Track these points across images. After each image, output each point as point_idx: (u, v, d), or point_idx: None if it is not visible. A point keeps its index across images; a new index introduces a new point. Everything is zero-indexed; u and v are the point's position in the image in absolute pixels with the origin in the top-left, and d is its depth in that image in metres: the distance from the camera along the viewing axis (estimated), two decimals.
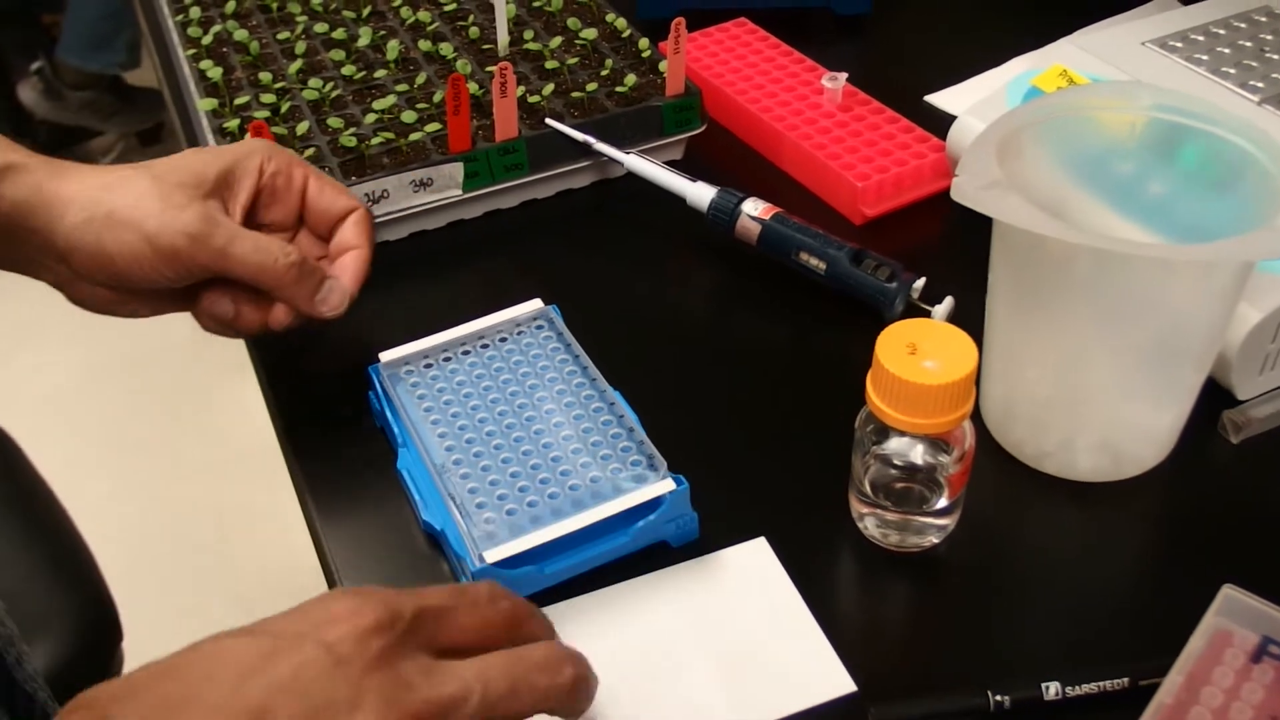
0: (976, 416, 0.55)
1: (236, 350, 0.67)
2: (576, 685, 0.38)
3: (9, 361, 1.94)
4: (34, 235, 0.52)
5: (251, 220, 0.55)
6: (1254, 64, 0.64)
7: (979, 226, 0.51)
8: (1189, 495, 0.53)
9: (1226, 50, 0.66)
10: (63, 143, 2.25)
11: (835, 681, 0.45)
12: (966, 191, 0.46)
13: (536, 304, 0.58)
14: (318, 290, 0.52)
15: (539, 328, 0.56)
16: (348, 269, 0.55)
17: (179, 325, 0.58)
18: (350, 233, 0.56)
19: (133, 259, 0.51)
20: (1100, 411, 0.52)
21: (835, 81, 0.73)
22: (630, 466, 0.50)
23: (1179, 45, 0.67)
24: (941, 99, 0.79)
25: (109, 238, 0.50)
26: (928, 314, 0.60)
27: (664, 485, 0.49)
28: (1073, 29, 0.82)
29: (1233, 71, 0.64)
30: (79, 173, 0.53)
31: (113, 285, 0.53)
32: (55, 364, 1.95)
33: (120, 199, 0.51)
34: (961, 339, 0.46)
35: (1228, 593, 0.43)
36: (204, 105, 0.71)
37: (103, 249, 0.51)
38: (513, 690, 0.36)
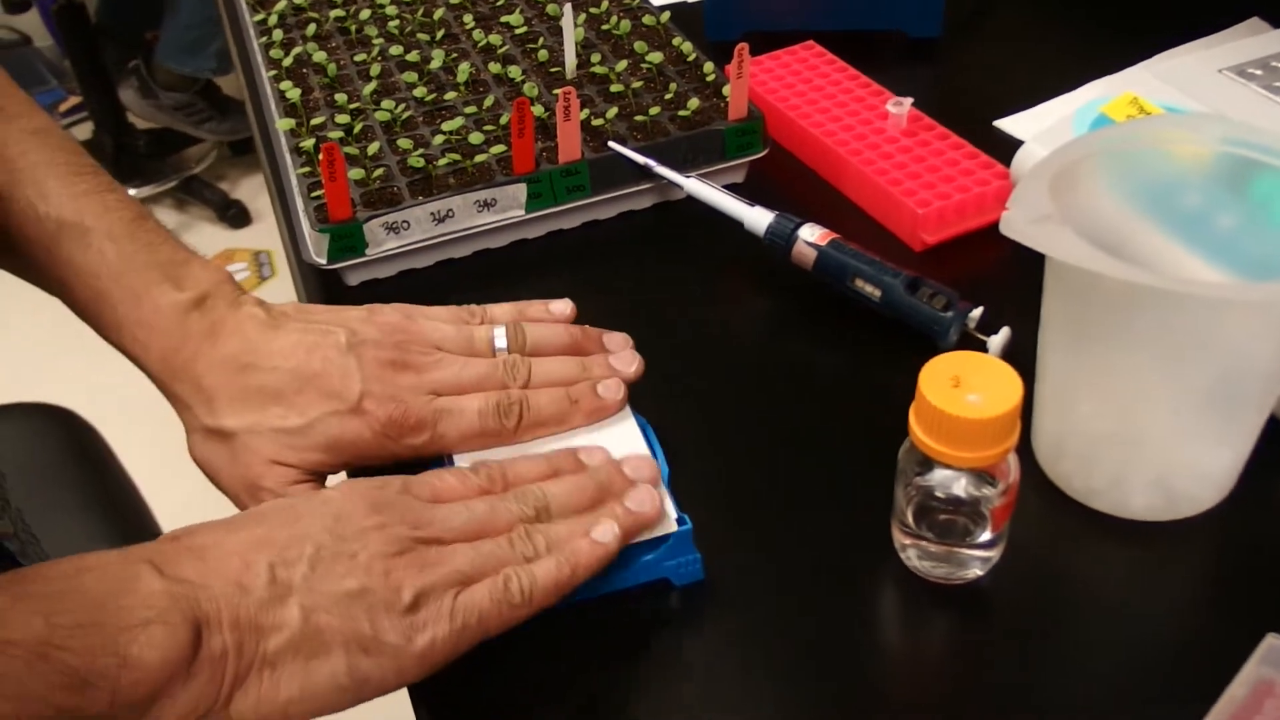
0: (1026, 449, 0.54)
1: None
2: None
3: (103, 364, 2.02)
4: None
5: None
6: None
7: (1039, 256, 0.50)
8: (1245, 539, 0.51)
9: None
10: (158, 152, 2.41)
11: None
12: (1016, 226, 0.46)
13: None
14: None
15: None
16: None
17: None
18: None
19: None
20: (1155, 450, 0.51)
21: (900, 106, 0.73)
22: None
23: (1258, 73, 0.65)
24: (1011, 124, 0.78)
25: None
26: (983, 344, 0.59)
27: (667, 525, 0.49)
28: (1151, 52, 0.81)
29: None
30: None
31: None
32: None
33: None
34: (1006, 372, 0.45)
35: (1271, 642, 0.42)
36: (282, 125, 0.73)
37: None
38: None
